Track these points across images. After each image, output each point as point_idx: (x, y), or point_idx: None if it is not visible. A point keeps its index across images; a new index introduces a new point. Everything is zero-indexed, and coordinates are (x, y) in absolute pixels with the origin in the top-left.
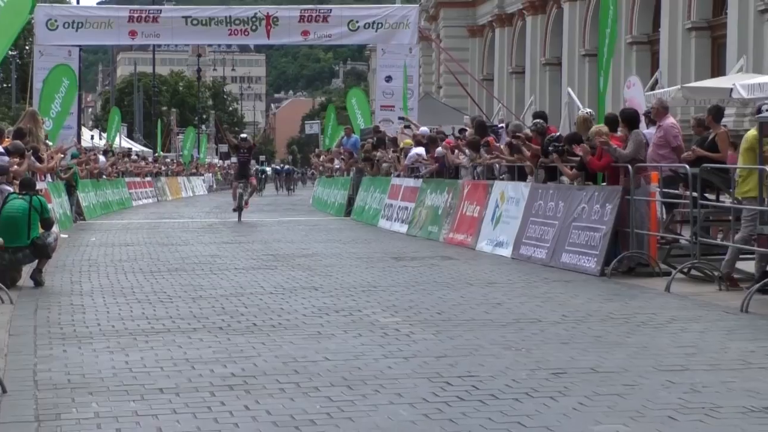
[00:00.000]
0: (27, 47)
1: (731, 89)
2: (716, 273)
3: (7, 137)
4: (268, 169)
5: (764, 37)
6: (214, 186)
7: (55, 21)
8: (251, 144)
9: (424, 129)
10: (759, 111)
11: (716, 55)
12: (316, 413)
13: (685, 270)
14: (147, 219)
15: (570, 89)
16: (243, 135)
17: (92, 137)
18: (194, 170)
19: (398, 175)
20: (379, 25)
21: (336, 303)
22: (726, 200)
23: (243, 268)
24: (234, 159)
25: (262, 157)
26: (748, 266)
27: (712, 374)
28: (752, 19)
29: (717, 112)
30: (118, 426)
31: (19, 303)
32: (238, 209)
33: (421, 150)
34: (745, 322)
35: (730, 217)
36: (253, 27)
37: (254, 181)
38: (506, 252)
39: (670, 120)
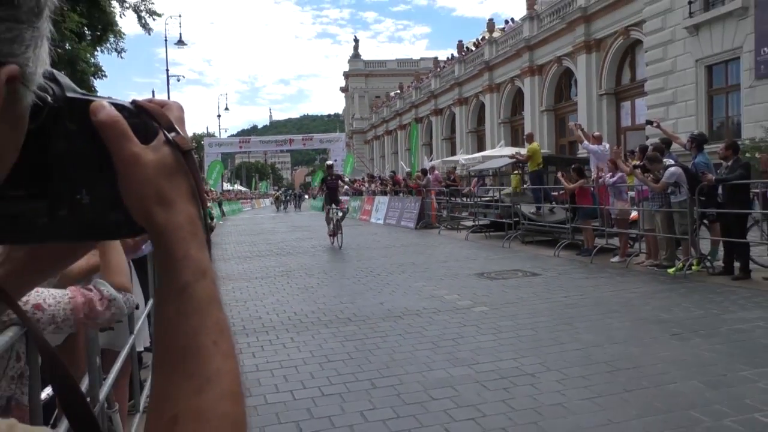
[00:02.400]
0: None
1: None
2: (460, 226)
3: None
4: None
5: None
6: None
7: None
8: (337, 171)
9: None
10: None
11: (560, 128)
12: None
13: (446, 227)
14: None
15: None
16: (329, 162)
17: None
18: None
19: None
20: (332, 141)
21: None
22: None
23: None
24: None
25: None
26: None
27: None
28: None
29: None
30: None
31: None
32: (333, 234)
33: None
34: (468, 243)
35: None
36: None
37: (344, 206)
38: (380, 221)
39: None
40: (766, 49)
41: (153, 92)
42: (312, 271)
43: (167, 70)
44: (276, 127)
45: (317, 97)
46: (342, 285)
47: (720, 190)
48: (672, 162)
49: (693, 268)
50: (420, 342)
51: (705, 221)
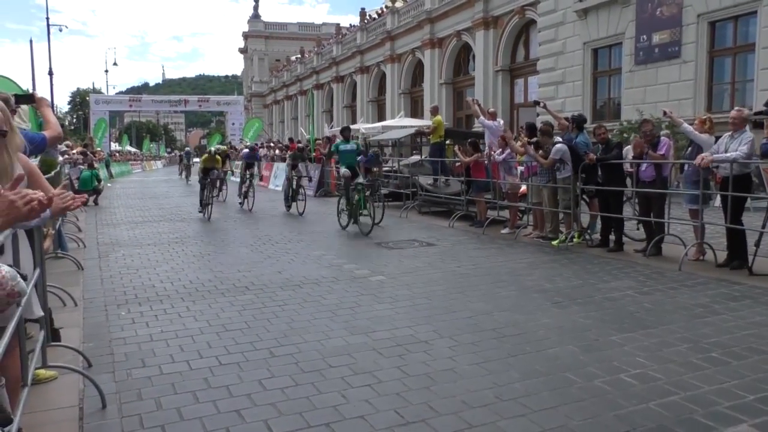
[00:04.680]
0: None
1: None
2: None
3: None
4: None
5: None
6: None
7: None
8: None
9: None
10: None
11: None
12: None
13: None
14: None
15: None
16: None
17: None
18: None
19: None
20: (230, 103)
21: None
22: None
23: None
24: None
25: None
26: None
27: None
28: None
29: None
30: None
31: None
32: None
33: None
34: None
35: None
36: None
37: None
38: (279, 188)
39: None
40: (644, 36)
41: (31, 41)
42: (208, 238)
43: (47, 18)
44: (170, 85)
45: (214, 56)
46: (239, 253)
47: (599, 169)
48: (559, 139)
49: (574, 240)
50: (318, 311)
51: (585, 197)
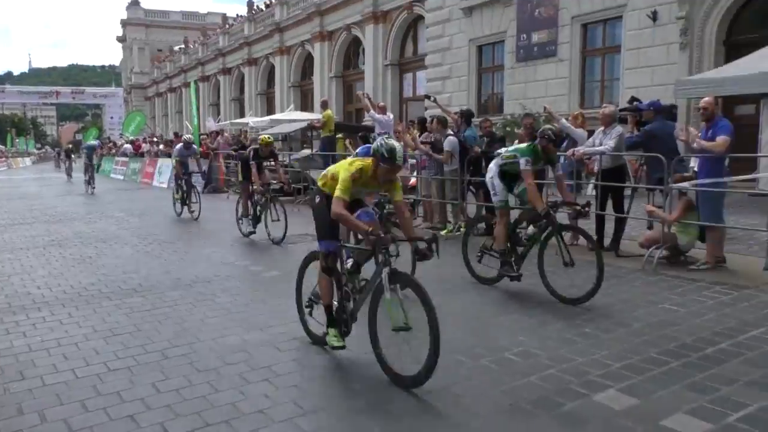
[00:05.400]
0: None
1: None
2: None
3: None
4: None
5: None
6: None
7: None
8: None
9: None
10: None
11: (348, 95)
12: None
13: (235, 191)
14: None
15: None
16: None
17: None
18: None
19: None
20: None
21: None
22: None
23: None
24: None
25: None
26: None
27: None
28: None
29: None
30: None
31: None
32: None
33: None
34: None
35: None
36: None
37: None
38: (164, 184)
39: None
40: (524, 35)
41: None
42: (89, 239)
43: None
44: (37, 75)
45: (87, 45)
46: (124, 253)
47: (483, 162)
48: (451, 132)
49: (461, 230)
50: (212, 309)
51: (472, 188)
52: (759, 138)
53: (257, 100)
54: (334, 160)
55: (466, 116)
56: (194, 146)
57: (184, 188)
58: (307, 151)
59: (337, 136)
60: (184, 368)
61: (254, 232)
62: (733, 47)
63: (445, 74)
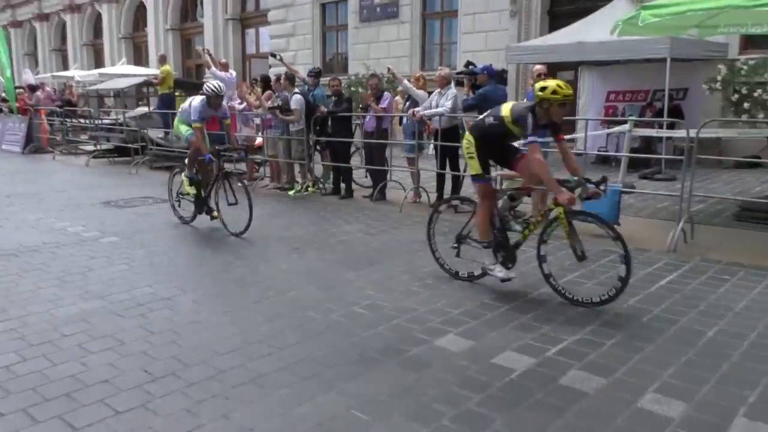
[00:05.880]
0: None
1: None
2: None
3: None
4: None
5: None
6: None
7: None
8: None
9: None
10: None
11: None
12: None
13: (62, 151)
14: None
15: None
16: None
17: None
18: None
19: None
20: None
21: None
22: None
23: None
24: None
25: None
26: None
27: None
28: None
29: None
30: None
31: None
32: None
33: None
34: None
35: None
36: None
37: None
38: (16, 149)
39: None
40: None
41: None
42: None
43: None
44: None
45: None
46: None
47: (330, 121)
48: (297, 91)
49: (309, 190)
50: (43, 279)
51: (318, 148)
52: (577, 102)
53: (83, 51)
54: (173, 119)
55: (315, 75)
56: None
57: None
58: (143, 109)
59: (176, 93)
60: (14, 343)
61: (195, 218)
62: (557, 17)
63: (289, 31)
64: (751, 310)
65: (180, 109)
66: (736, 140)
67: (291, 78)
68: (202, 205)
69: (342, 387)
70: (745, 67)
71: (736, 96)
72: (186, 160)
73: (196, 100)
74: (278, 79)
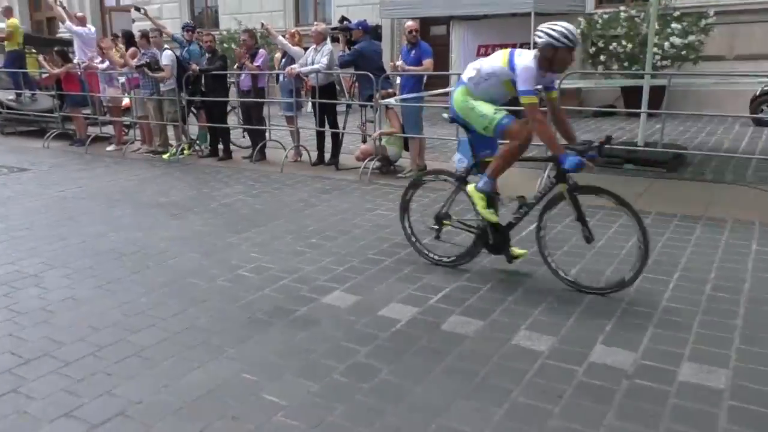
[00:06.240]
0: None
1: None
2: None
3: None
4: None
5: None
6: None
7: None
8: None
9: None
10: None
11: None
12: None
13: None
14: None
15: None
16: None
17: None
18: None
19: None
20: None
21: None
22: None
23: None
24: None
25: None
26: None
27: None
28: None
29: None
30: None
31: None
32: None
33: None
34: None
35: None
36: None
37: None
38: None
39: None
40: None
41: None
42: None
43: None
44: None
45: None
46: None
47: (203, 80)
48: (167, 46)
49: (185, 152)
50: None
51: (193, 108)
52: (451, 56)
53: None
54: (27, 79)
55: (191, 30)
56: None
57: None
58: None
59: (26, 50)
60: None
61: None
62: None
63: None
64: (609, 247)
65: (466, 77)
66: (594, 90)
67: (146, 35)
68: (501, 243)
69: (231, 352)
70: (600, 21)
71: (594, 48)
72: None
73: (522, 58)
74: (143, 35)
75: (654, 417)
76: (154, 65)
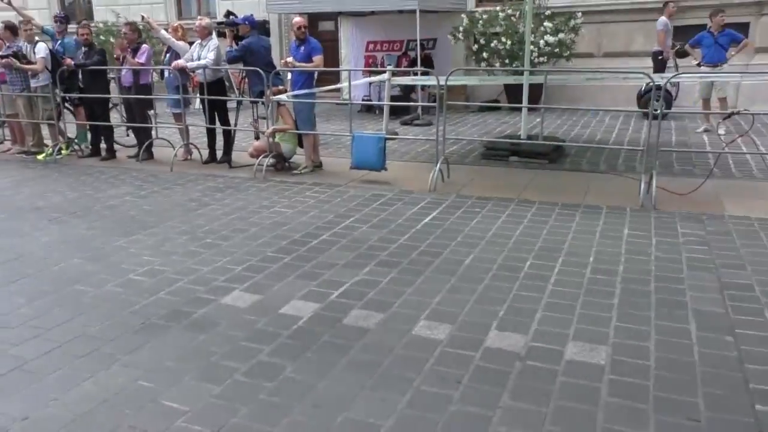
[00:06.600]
0: None
1: None
2: None
3: None
4: None
5: None
6: None
7: None
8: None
9: None
10: None
11: None
12: None
13: None
14: None
15: None
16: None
17: None
18: None
19: None
20: None
21: None
22: None
23: None
24: None
25: None
26: None
27: None
28: None
29: None
30: None
31: None
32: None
33: None
34: None
35: None
36: None
37: None
38: None
39: None
40: None
41: None
42: None
43: None
44: None
45: None
46: None
47: (81, 75)
48: (39, 39)
49: (63, 152)
50: None
51: (68, 105)
52: (340, 52)
53: None
54: None
55: (63, 21)
56: None
57: None
58: None
59: None
60: None
61: None
62: None
63: None
64: (499, 236)
65: None
66: (478, 86)
67: (12, 27)
68: None
69: (125, 359)
70: (482, 19)
71: (476, 46)
72: None
73: None
74: (7, 26)
75: (545, 395)
76: (21, 56)
